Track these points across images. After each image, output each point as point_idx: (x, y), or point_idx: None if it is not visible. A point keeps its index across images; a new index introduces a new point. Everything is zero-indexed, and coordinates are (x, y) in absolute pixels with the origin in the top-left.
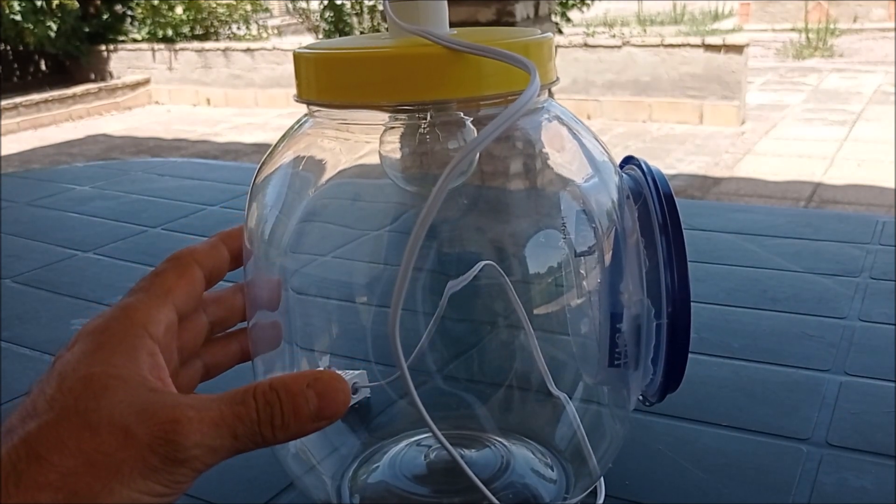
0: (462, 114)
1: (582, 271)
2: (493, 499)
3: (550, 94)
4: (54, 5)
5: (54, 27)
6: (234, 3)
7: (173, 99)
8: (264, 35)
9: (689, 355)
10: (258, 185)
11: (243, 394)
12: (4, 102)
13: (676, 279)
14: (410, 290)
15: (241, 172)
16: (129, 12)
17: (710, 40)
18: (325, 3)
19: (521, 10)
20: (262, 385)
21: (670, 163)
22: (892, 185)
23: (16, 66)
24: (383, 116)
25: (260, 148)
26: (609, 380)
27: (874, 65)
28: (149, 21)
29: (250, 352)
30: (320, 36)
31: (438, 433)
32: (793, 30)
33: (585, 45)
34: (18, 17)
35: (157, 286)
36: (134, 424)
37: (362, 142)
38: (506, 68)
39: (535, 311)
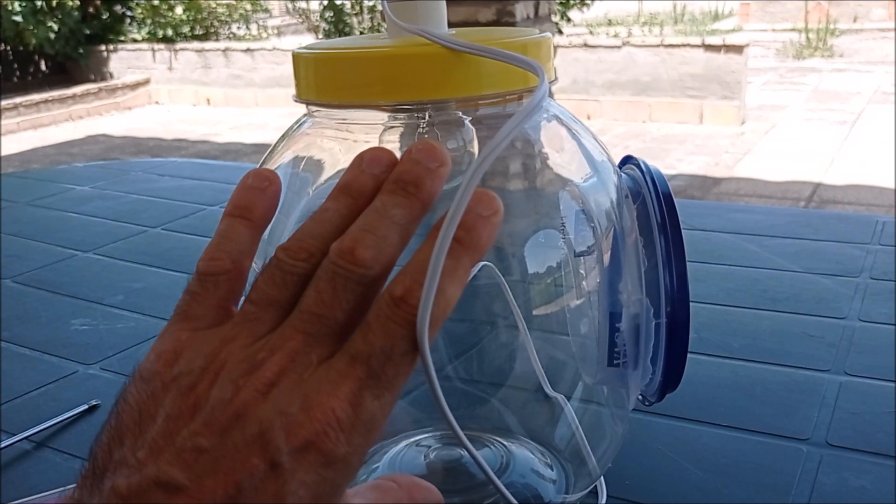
0: (461, 113)
1: (581, 271)
2: (510, 497)
3: (550, 94)
4: (54, 4)
5: (55, 28)
6: (234, 3)
7: (173, 99)
8: (264, 35)
9: (689, 355)
10: None
11: None
12: (4, 102)
13: (675, 278)
14: None
15: (240, 172)
16: (129, 12)
17: (710, 40)
18: (325, 3)
19: (521, 10)
20: None
21: (670, 163)
22: (892, 185)
23: (16, 66)
24: (382, 116)
25: (260, 148)
26: (608, 379)
27: (874, 65)
28: (149, 21)
29: None
30: (320, 36)
31: (460, 433)
32: (793, 30)
33: (585, 45)
34: (19, 18)
35: None
36: None
37: (361, 141)
38: (504, 68)
39: (535, 312)
